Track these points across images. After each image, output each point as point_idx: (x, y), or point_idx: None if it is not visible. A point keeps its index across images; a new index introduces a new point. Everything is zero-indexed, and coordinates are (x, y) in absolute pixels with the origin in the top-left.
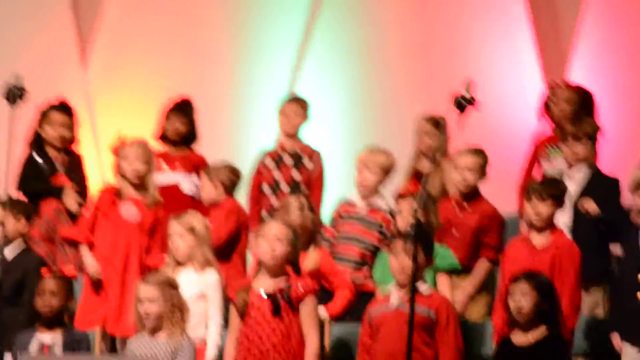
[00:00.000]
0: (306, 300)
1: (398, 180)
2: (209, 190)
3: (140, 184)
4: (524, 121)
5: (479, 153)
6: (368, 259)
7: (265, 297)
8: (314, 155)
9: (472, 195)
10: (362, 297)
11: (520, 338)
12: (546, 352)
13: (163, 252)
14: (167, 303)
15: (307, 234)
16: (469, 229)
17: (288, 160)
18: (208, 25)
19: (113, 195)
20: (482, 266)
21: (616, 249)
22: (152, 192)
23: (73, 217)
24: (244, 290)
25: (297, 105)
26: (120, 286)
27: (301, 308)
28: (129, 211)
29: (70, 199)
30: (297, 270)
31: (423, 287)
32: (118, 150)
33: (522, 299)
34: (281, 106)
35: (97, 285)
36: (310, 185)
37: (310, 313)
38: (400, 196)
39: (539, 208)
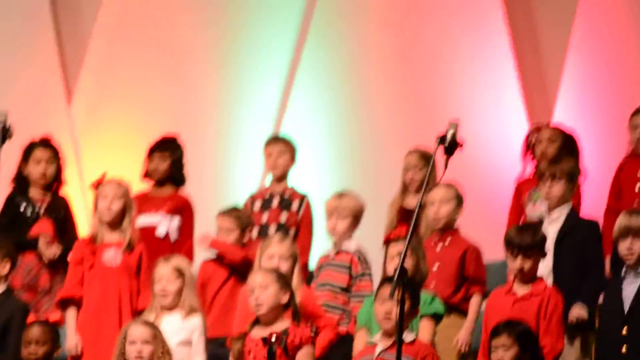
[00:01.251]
0: (303, 349)
1: (383, 220)
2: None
3: (117, 225)
4: (508, 163)
5: (452, 186)
6: (340, 302)
7: (262, 343)
8: (303, 199)
9: (448, 228)
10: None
11: None
12: None
13: (148, 292)
14: (159, 347)
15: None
16: (450, 263)
17: (276, 202)
18: (196, 64)
19: (90, 244)
20: (475, 302)
21: None
22: (130, 233)
23: (54, 265)
24: (239, 338)
25: (281, 145)
26: (117, 333)
27: (298, 356)
28: (110, 257)
29: (45, 249)
30: (296, 315)
31: (408, 337)
32: (97, 189)
33: (504, 354)
34: (265, 146)
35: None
36: (297, 229)
37: None
38: (389, 240)
39: (521, 264)
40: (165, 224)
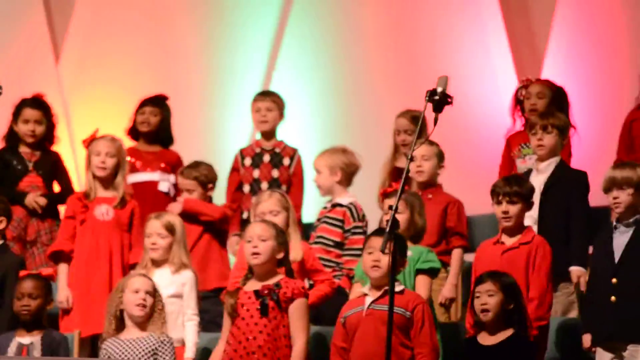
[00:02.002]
0: (296, 302)
1: (378, 178)
2: None
3: (110, 180)
4: (498, 119)
5: (433, 143)
6: (333, 256)
7: (255, 296)
8: (293, 153)
9: (431, 184)
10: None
11: (486, 339)
12: (511, 350)
13: (140, 248)
14: (158, 299)
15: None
16: (432, 217)
17: (267, 158)
18: (181, 23)
19: (82, 199)
20: (457, 256)
21: None
22: (123, 189)
23: (43, 216)
24: (233, 292)
25: (270, 100)
26: (107, 287)
27: (290, 309)
28: (102, 212)
29: (32, 202)
30: (289, 272)
31: (397, 287)
32: (89, 145)
33: (488, 299)
34: (252, 102)
35: (80, 288)
36: (289, 184)
37: (300, 314)
38: (385, 194)
39: (506, 208)
40: (166, 181)
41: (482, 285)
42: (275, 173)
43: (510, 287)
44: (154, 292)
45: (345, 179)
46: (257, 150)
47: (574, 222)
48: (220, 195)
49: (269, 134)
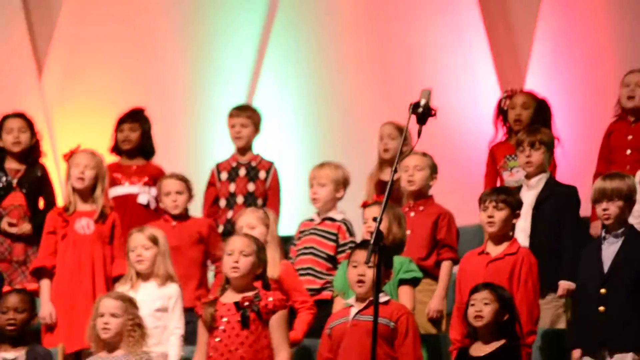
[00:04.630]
0: (277, 314)
1: (362, 192)
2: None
3: (90, 194)
4: (481, 130)
5: (426, 155)
6: (324, 268)
7: (235, 308)
8: (269, 167)
9: (422, 195)
10: (319, 306)
11: (477, 350)
12: None
13: (122, 260)
14: (128, 319)
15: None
16: (423, 229)
17: (243, 172)
18: (162, 36)
19: (62, 214)
20: (445, 269)
21: None
22: (102, 202)
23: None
24: (211, 303)
25: (244, 116)
26: (91, 301)
27: (271, 321)
28: (83, 225)
29: (8, 229)
30: (266, 286)
31: (382, 298)
32: (69, 158)
33: (483, 307)
34: (228, 117)
35: (64, 303)
36: (265, 197)
37: (280, 326)
38: (365, 205)
39: (491, 213)
40: (145, 194)
41: (479, 294)
42: (251, 187)
43: (506, 299)
44: (122, 313)
45: (337, 194)
46: (234, 164)
47: (565, 236)
48: (196, 209)
49: (244, 149)
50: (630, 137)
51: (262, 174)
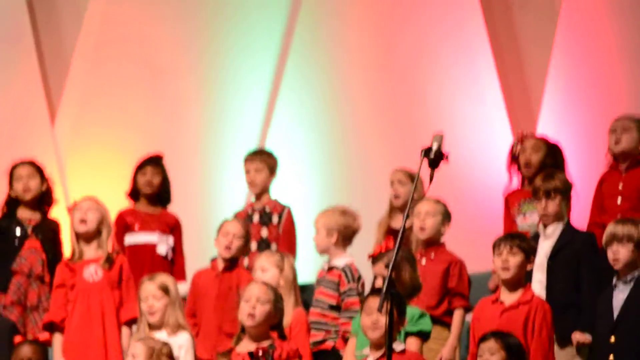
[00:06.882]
0: None
1: (374, 237)
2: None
3: (94, 239)
4: (493, 175)
5: (439, 201)
6: (329, 319)
7: (250, 358)
8: (282, 211)
9: (433, 242)
10: (320, 356)
11: None
12: None
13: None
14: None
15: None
16: (434, 276)
17: (257, 218)
18: (175, 82)
19: (68, 265)
20: (457, 318)
21: None
22: (107, 247)
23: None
24: (225, 353)
25: (258, 161)
26: (103, 349)
27: None
28: (91, 272)
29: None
30: (282, 336)
31: (398, 347)
32: (73, 208)
33: (489, 357)
34: (244, 162)
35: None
36: (278, 242)
37: None
38: (372, 257)
39: (506, 258)
40: (164, 244)
41: (485, 344)
42: (264, 232)
43: (514, 347)
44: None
45: (342, 241)
46: (249, 211)
47: (583, 286)
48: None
49: (259, 194)
50: (621, 185)
51: (274, 218)
